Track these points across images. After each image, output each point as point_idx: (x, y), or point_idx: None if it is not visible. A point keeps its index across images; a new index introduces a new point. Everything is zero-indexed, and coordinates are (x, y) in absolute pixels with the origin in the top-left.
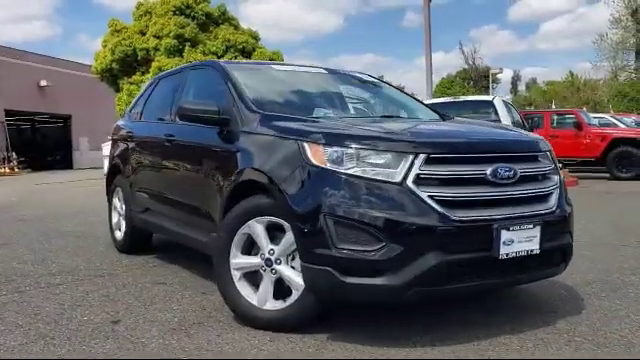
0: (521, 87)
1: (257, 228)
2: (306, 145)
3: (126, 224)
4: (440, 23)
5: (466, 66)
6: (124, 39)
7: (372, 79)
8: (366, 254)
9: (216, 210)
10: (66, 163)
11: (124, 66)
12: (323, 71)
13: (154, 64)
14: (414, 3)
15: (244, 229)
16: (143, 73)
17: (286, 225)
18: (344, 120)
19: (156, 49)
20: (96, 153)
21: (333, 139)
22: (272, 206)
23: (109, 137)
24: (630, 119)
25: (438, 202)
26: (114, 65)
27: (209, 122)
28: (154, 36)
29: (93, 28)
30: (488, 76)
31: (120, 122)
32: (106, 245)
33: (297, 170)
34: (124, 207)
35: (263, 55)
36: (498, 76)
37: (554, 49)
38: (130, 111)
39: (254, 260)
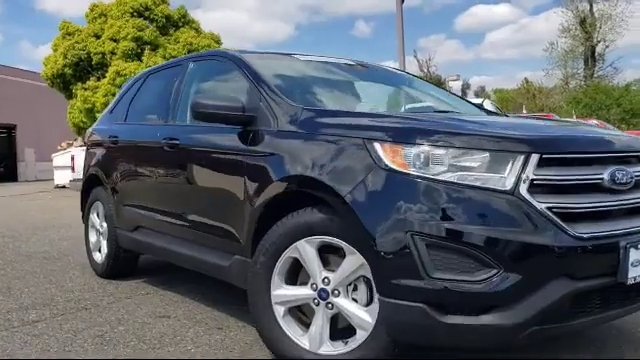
0: (469, 95)
1: (307, 251)
2: (377, 145)
3: (109, 245)
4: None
5: (421, 73)
6: (77, 42)
7: (400, 71)
8: (472, 285)
9: (241, 228)
10: (10, 175)
11: (77, 71)
12: (350, 62)
13: (111, 69)
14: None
15: (289, 252)
16: (99, 78)
17: (346, 247)
18: (412, 114)
19: (113, 53)
20: (44, 164)
21: (415, 136)
22: (328, 223)
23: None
24: (593, 122)
25: (559, 215)
26: (66, 70)
27: (231, 121)
28: (110, 39)
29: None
30: (442, 83)
31: (98, 126)
32: (81, 268)
33: (367, 176)
34: (106, 225)
35: None
36: (450, 84)
37: (499, 58)
38: (110, 113)
39: (304, 291)
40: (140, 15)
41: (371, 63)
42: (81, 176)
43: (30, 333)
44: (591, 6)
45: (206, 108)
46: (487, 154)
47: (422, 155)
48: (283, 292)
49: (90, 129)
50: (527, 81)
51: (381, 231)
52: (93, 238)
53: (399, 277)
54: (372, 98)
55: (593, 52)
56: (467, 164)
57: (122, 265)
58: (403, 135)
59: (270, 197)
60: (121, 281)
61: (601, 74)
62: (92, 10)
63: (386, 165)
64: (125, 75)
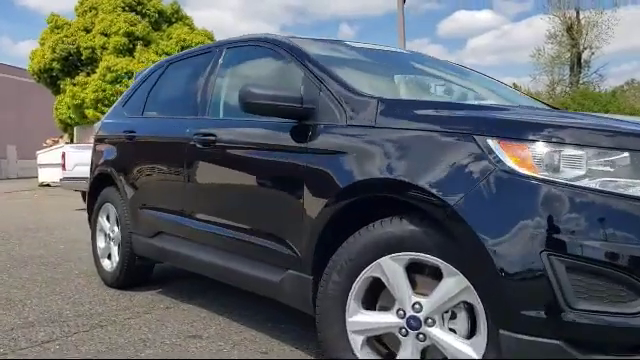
0: None
1: (393, 270)
2: (493, 142)
3: (122, 251)
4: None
5: None
6: (66, 36)
7: (453, 63)
8: (625, 319)
9: (298, 238)
10: None
11: (66, 66)
12: (403, 51)
13: (102, 64)
14: (348, 16)
15: (370, 271)
16: (88, 74)
17: (445, 266)
18: (515, 107)
19: (104, 48)
20: (26, 162)
21: (545, 132)
22: (422, 237)
23: (45, 144)
24: None
25: None
26: (54, 64)
27: (287, 114)
28: (101, 33)
29: (17, 31)
30: None
31: (108, 119)
32: (86, 276)
33: (482, 181)
34: (117, 229)
35: None
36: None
37: (480, 64)
38: (123, 105)
39: (388, 319)
40: (132, 9)
41: (424, 54)
42: (73, 174)
43: (42, 357)
44: (578, 13)
45: (259, 99)
46: (627, 154)
47: (555, 156)
48: (362, 319)
49: (99, 123)
50: (516, 86)
51: (505, 250)
52: (102, 243)
53: (527, 307)
54: (445, 89)
55: (579, 58)
56: (607, 168)
57: (136, 274)
58: (528, 130)
59: (341, 204)
60: (135, 292)
61: (586, 80)
62: (82, 3)
63: (509, 168)
64: (117, 71)
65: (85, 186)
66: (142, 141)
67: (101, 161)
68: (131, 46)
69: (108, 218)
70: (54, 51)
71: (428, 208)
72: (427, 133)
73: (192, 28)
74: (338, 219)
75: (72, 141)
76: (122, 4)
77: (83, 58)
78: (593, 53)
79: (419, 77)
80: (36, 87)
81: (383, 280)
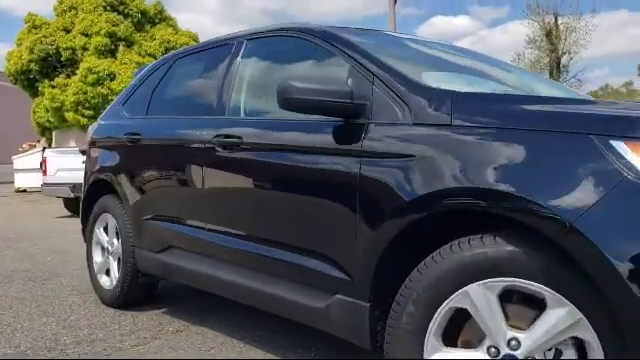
0: None
1: (485, 299)
2: (618, 144)
3: (123, 267)
4: None
5: None
6: (45, 36)
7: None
8: None
9: (351, 258)
10: None
11: (45, 67)
12: (444, 42)
13: (82, 65)
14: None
15: (454, 301)
16: (68, 75)
17: (551, 295)
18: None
19: (84, 48)
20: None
21: None
22: (524, 259)
23: (21, 148)
24: None
25: None
26: (32, 66)
27: (333, 112)
28: (82, 34)
29: None
30: None
31: (105, 121)
32: (80, 293)
33: (611, 192)
34: (118, 242)
35: None
36: None
37: None
38: (122, 105)
39: (477, 357)
40: (114, 9)
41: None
42: (55, 180)
43: None
44: (556, 19)
45: (301, 94)
46: None
47: None
48: (444, 357)
49: (94, 125)
50: None
51: None
52: (98, 258)
53: None
54: (497, 81)
55: (558, 63)
56: None
57: (139, 293)
58: None
59: (409, 218)
60: (137, 312)
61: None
62: (61, 2)
63: None
64: (98, 72)
65: (67, 192)
66: (148, 144)
67: (97, 167)
68: (113, 47)
69: (106, 230)
70: (32, 52)
71: (537, 224)
72: (525, 132)
73: (176, 29)
74: (404, 236)
75: (50, 145)
76: (103, 4)
77: (63, 59)
78: (571, 58)
79: (472, 69)
80: (8, 89)
81: (471, 311)
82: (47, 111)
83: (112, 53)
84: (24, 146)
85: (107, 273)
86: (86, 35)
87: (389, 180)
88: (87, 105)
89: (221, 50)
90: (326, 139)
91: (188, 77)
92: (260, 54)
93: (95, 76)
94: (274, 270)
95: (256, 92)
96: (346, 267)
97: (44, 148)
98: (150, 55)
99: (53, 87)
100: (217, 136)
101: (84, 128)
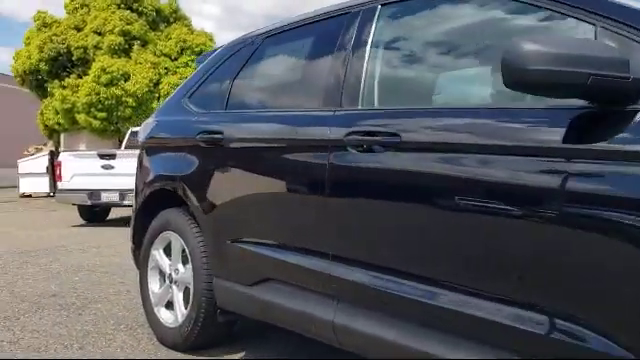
0: None
1: None
2: None
3: (196, 301)
4: None
5: None
6: (55, 35)
7: None
8: None
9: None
10: None
11: (55, 67)
12: None
13: (95, 65)
14: None
15: None
16: (80, 76)
17: None
18: None
19: (97, 47)
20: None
21: None
22: None
23: (27, 151)
24: None
25: None
26: (42, 66)
27: (602, 93)
28: (94, 32)
29: None
30: None
31: (166, 117)
32: (128, 328)
33: None
34: (185, 269)
35: None
36: None
37: None
38: (188, 98)
39: None
40: (128, 7)
41: None
42: (70, 186)
43: None
44: None
45: (549, 63)
46: None
47: None
48: None
49: (148, 123)
50: None
51: None
52: (156, 287)
53: None
54: None
55: None
56: None
57: (215, 334)
58: None
59: None
60: (209, 357)
61: None
62: (72, 0)
63: None
64: (112, 72)
65: (84, 200)
66: (236, 146)
67: (157, 174)
68: (127, 46)
69: (168, 252)
70: (41, 51)
71: None
72: None
73: (191, 29)
74: None
75: (57, 149)
76: (117, 1)
77: (74, 59)
78: None
79: None
80: (11, 90)
81: None
82: (57, 113)
83: (126, 52)
84: (30, 149)
85: (169, 307)
86: (99, 34)
87: None
88: (100, 107)
89: (340, 22)
90: (563, 134)
91: (287, 59)
92: (405, 23)
93: (109, 76)
94: (464, 328)
95: (407, 73)
96: (620, 337)
97: (51, 152)
98: (165, 55)
99: (64, 88)
100: (353, 134)
101: (96, 131)
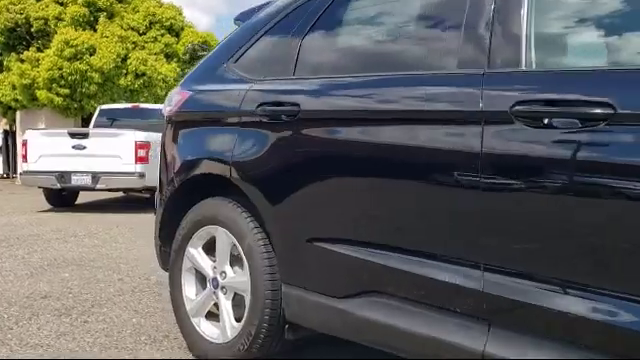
0: None
1: None
2: None
3: (254, 312)
4: None
5: None
6: (13, 4)
7: None
8: None
9: None
10: None
11: (11, 39)
12: None
13: (57, 37)
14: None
15: None
16: (39, 49)
17: None
18: None
19: (59, 19)
20: None
21: None
22: None
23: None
24: None
25: None
26: None
27: None
28: (56, 2)
29: None
30: None
31: (207, 86)
32: (151, 339)
33: None
34: (238, 273)
35: (194, 35)
36: None
37: None
38: (235, 61)
39: None
40: None
41: None
42: (37, 167)
43: None
44: None
45: None
46: None
47: None
48: None
49: (177, 95)
50: None
51: None
52: (192, 292)
53: None
54: None
55: None
56: None
57: (276, 353)
58: None
59: None
60: None
61: None
62: None
63: None
64: (76, 46)
65: (52, 182)
66: (322, 120)
67: (197, 156)
68: (92, 18)
69: (209, 250)
70: None
71: None
72: None
73: (159, 2)
74: None
75: (11, 128)
76: None
77: (33, 30)
78: None
79: None
80: None
81: None
82: (14, 88)
83: (91, 25)
84: None
85: (209, 317)
86: (60, 4)
87: None
88: (62, 83)
89: None
90: None
91: (388, 8)
92: None
93: (73, 50)
94: None
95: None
96: None
97: (5, 130)
98: (132, 29)
99: (22, 62)
100: (519, 103)
101: (57, 108)
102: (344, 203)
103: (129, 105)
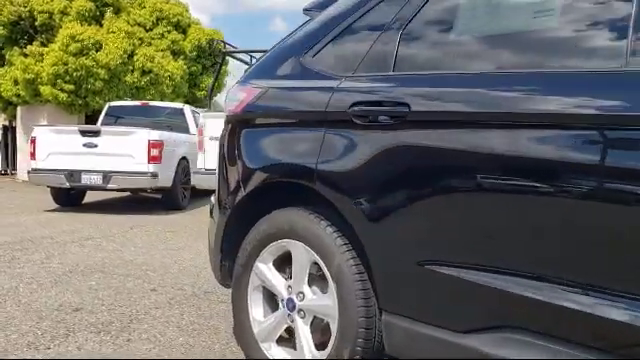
0: None
1: None
2: None
3: (344, 344)
4: None
5: None
6: None
7: None
8: None
9: None
10: None
11: (15, 33)
12: None
13: (63, 32)
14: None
15: None
16: (43, 43)
17: None
18: None
19: (64, 13)
20: None
21: None
22: None
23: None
24: None
25: None
26: (1, 31)
27: None
28: None
29: None
30: None
31: (279, 82)
32: None
33: None
34: (320, 295)
35: (201, 32)
36: None
37: None
38: (313, 55)
39: None
40: None
41: None
42: (46, 166)
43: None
44: None
45: None
46: None
47: None
48: None
49: (241, 92)
50: None
51: None
52: (260, 314)
53: None
54: None
55: None
56: None
57: None
58: None
59: None
60: None
61: None
62: None
63: None
64: (82, 41)
65: (62, 181)
66: (440, 123)
67: (272, 162)
68: (98, 13)
69: (283, 267)
70: (1, 14)
71: None
72: None
73: None
74: None
75: (11, 124)
76: None
77: (37, 24)
78: None
79: None
80: None
81: None
82: (16, 83)
83: (97, 20)
84: None
85: (280, 342)
86: None
87: None
88: (67, 78)
89: None
90: None
91: None
92: None
93: (79, 45)
94: None
95: None
96: None
97: (4, 126)
98: (139, 25)
99: (25, 56)
100: None
101: (61, 104)
102: (468, 222)
103: (138, 102)
